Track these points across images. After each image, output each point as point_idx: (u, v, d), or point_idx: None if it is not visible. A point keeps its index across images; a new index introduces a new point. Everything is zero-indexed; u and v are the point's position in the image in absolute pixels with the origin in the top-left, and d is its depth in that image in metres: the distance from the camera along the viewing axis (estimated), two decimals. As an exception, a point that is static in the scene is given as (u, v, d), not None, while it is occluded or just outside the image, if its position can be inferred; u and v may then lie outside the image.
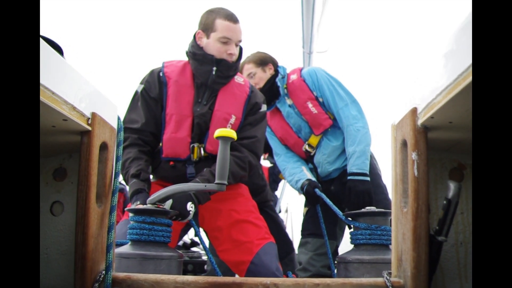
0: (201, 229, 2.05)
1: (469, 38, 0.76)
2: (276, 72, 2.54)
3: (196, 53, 2.01)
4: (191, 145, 1.99)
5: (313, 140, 2.53)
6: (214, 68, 1.99)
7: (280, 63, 2.61)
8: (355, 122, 2.37)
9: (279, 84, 2.51)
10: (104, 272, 1.09)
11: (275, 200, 4.15)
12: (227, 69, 2.02)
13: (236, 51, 2.03)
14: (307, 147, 2.54)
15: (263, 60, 2.54)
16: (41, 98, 0.86)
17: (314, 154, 2.55)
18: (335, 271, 2.33)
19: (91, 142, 1.06)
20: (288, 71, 2.61)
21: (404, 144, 1.05)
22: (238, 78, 2.13)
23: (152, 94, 2.03)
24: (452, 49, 0.87)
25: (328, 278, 1.07)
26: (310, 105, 2.47)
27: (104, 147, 1.13)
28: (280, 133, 2.64)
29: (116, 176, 1.18)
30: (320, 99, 2.47)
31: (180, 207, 1.77)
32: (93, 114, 1.06)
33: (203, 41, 2.02)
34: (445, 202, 0.96)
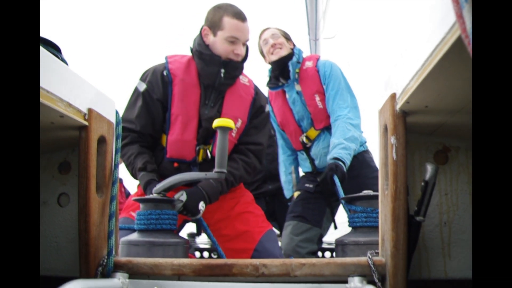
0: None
1: (437, 20, 0.78)
2: (293, 52, 2.49)
3: (203, 53, 1.94)
4: (197, 148, 1.97)
5: (312, 133, 2.51)
6: (222, 70, 1.93)
7: None
8: (348, 120, 2.32)
9: (291, 68, 2.46)
10: (106, 257, 1.17)
11: None
12: (234, 69, 1.96)
13: (243, 51, 1.96)
14: (304, 138, 2.52)
15: (288, 35, 2.54)
16: (37, 97, 0.92)
17: (311, 146, 2.53)
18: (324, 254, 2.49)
19: (89, 136, 1.13)
20: (305, 55, 2.56)
21: (386, 129, 1.08)
22: (243, 79, 2.08)
23: (156, 96, 1.97)
24: (422, 33, 0.89)
25: (314, 258, 1.13)
26: (317, 98, 2.44)
27: (102, 140, 1.20)
28: (281, 117, 2.59)
29: (116, 167, 1.25)
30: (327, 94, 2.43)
31: (193, 206, 1.81)
32: (90, 110, 1.13)
33: (209, 39, 1.95)
34: (422, 184, 0.99)
